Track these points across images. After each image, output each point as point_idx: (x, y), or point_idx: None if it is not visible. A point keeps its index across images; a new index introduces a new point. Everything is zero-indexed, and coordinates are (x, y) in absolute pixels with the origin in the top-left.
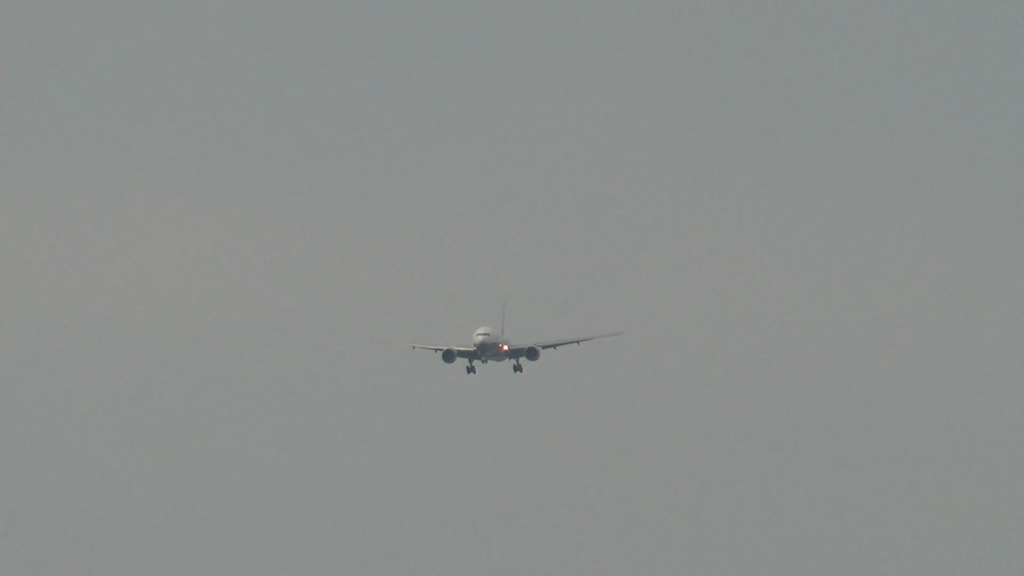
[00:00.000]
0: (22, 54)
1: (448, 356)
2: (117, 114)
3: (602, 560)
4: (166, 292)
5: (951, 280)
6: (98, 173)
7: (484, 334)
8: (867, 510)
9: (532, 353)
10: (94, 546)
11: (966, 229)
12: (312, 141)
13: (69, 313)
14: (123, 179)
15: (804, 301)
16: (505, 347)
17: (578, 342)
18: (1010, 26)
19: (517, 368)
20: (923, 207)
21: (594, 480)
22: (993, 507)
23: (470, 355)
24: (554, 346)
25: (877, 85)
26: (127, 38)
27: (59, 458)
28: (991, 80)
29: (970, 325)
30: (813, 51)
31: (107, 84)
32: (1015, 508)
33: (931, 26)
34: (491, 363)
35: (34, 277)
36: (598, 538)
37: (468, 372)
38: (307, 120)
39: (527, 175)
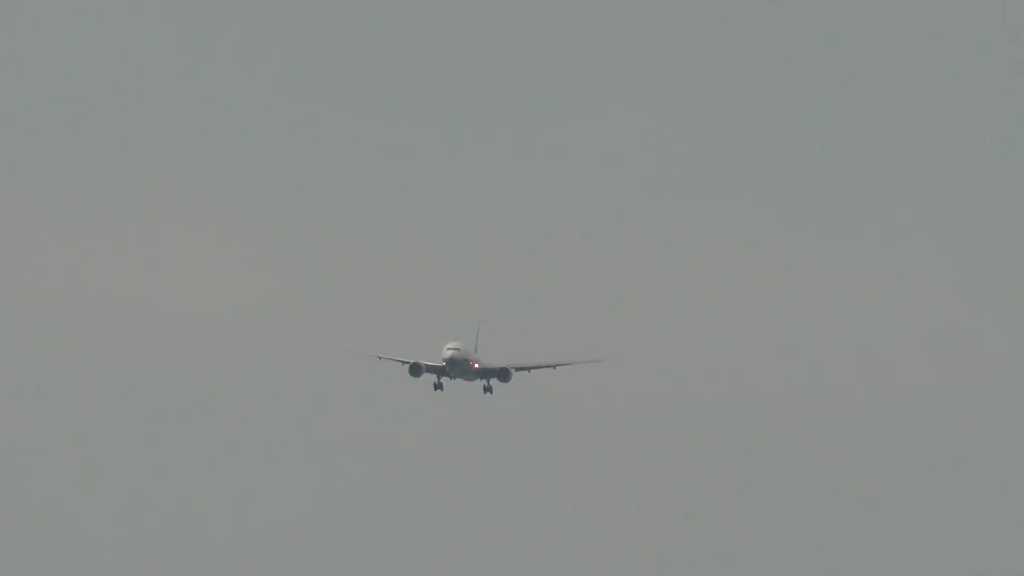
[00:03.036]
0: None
1: (415, 369)
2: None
3: None
4: (119, 303)
5: (924, 309)
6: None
7: (454, 349)
8: (846, 546)
9: (504, 374)
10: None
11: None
12: (287, 149)
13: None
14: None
15: (788, 334)
16: (476, 365)
17: (554, 366)
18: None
19: (487, 389)
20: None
21: (558, 509)
22: (992, 507)
23: (438, 371)
24: (528, 369)
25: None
26: (112, 39)
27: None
28: (992, 81)
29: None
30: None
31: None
32: (1014, 508)
33: (931, 29)
34: (460, 381)
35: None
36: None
37: (435, 389)
38: (284, 129)
39: (518, 195)
